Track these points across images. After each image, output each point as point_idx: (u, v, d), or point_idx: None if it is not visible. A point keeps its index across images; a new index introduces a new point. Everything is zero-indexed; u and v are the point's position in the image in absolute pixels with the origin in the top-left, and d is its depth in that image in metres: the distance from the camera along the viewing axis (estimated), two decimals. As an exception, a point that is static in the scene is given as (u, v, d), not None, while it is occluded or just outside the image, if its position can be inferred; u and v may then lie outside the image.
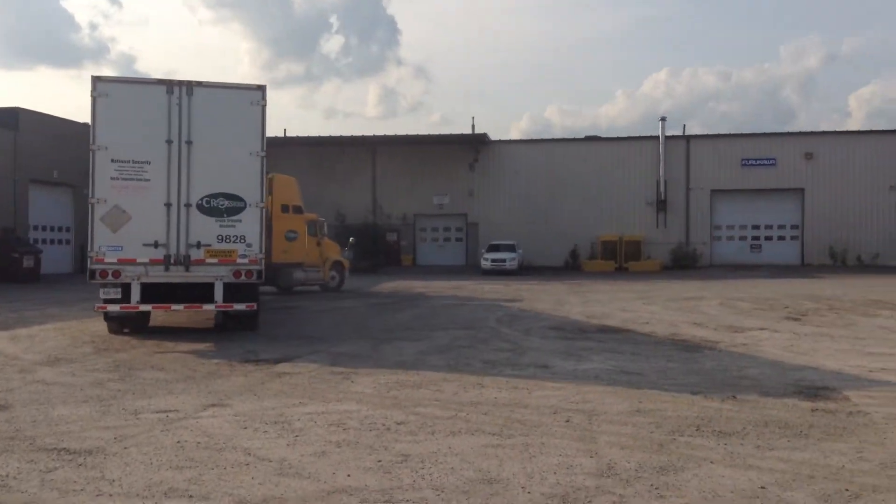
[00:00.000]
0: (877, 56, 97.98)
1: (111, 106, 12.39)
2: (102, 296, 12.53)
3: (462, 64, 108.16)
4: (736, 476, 5.48)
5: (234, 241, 12.69)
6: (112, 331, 13.56)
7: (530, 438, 6.53)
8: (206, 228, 12.61)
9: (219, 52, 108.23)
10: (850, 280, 31.00)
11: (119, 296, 12.49)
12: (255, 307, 13.10)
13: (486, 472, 5.61)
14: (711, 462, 5.81)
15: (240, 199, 12.71)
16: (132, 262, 12.46)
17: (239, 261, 12.70)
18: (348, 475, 5.60)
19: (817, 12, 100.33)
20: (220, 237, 12.66)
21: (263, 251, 12.89)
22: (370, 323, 16.04)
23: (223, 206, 12.66)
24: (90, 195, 12.43)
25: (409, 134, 44.60)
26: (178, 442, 6.53)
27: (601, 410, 7.58)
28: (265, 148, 12.82)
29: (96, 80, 12.43)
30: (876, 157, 42.60)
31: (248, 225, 12.72)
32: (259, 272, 12.80)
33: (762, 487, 5.23)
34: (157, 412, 7.69)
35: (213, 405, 8.00)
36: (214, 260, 12.65)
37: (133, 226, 12.41)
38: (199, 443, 6.50)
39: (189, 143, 12.57)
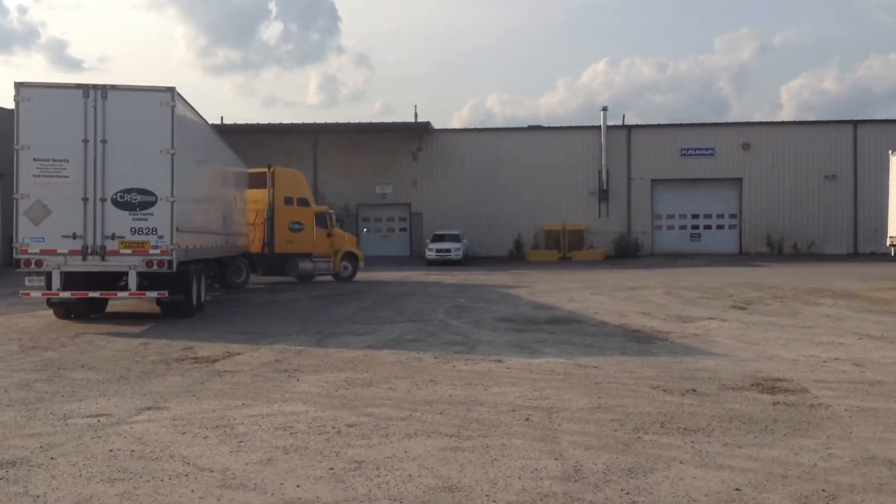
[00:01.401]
0: (806, 50, 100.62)
1: (33, 109, 13.31)
2: (27, 283, 13.45)
3: (404, 52, 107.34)
4: (708, 477, 5.24)
5: (146, 233, 13.46)
6: (59, 316, 14.54)
7: (490, 440, 6.19)
8: (120, 221, 13.42)
9: (154, 37, 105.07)
10: (788, 268, 31.63)
11: (42, 283, 13.40)
12: (167, 295, 13.91)
13: (446, 479, 5.25)
14: (681, 462, 5.56)
15: (151, 193, 13.47)
16: (53, 253, 13.31)
17: (151, 251, 13.46)
18: (298, 485, 5.18)
19: (750, 6, 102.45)
20: (133, 229, 13.45)
21: (174, 242, 13.54)
22: (314, 316, 15.55)
23: (136, 200, 13.44)
24: (14, 191, 13.35)
25: (350, 122, 43.88)
26: (111, 450, 6.01)
27: (561, 407, 7.29)
28: (175, 146, 13.58)
29: (19, 85, 13.33)
30: (811, 148, 43.62)
31: (160, 218, 13.47)
32: (170, 262, 13.51)
33: (737, 489, 4.99)
34: (88, 417, 7.13)
35: (149, 408, 7.47)
36: (128, 251, 13.47)
37: (53, 219, 13.30)
38: (133, 451, 5.99)
39: (104, 142, 13.37)
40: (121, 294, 13.94)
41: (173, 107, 13.53)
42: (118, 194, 13.38)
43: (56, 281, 13.28)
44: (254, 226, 24.57)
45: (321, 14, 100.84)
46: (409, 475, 5.35)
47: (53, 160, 13.26)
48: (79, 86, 13.55)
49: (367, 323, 14.19)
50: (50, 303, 14.26)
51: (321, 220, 25.86)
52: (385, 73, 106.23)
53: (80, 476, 5.41)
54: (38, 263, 13.25)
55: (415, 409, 7.24)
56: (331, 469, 5.50)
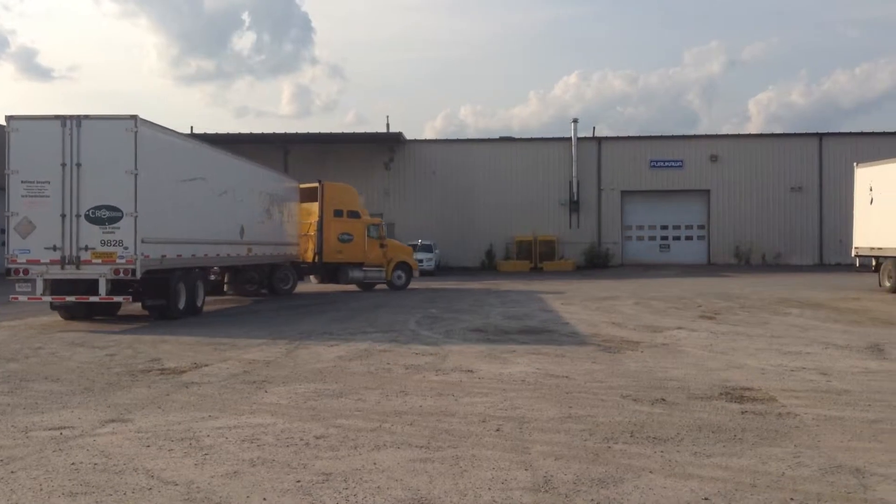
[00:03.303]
0: (773, 64, 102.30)
1: (21, 138, 15.10)
2: (17, 289, 15.33)
3: (378, 63, 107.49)
4: (677, 487, 5.24)
5: (113, 245, 14.99)
6: (64, 318, 16.33)
7: (460, 450, 6.15)
8: (91, 234, 14.99)
9: (125, 47, 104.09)
10: (755, 278, 32.00)
11: (29, 289, 15.16)
12: (130, 299, 16.07)
13: (415, 491, 5.20)
14: (650, 472, 5.56)
15: (118, 209, 14.99)
16: (37, 263, 15.03)
17: (118, 261, 14.98)
18: (264, 499, 5.09)
19: (718, 20, 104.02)
20: (102, 241, 15.00)
21: (138, 253, 14.99)
22: (285, 327, 15.40)
23: (105, 216, 14.99)
24: (6, 209, 15.07)
25: (322, 132, 43.70)
26: (73, 464, 5.88)
27: (531, 417, 7.27)
28: (139, 167, 15.04)
29: (9, 118, 15.23)
30: (777, 160, 44.29)
31: (125, 231, 14.99)
32: (134, 270, 14.98)
33: (706, 499, 4.99)
34: (50, 429, 6.98)
35: (113, 420, 7.33)
36: (99, 260, 15.00)
37: (37, 233, 14.99)
38: (96, 464, 5.87)
39: (79, 165, 14.99)
40: (92, 298, 15.18)
41: (136, 132, 14.99)
42: (90, 210, 14.94)
43: (39, 287, 14.99)
44: (307, 237, 26.58)
45: (295, 24, 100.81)
46: (378, 487, 5.28)
47: (37, 182, 14.99)
48: (57, 117, 15.14)
49: (339, 333, 14.08)
50: (53, 306, 16.10)
51: (373, 231, 27.23)
52: (359, 83, 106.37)
53: (41, 490, 5.28)
54: (25, 272, 15.03)
55: (384, 421, 7.18)
56: (298, 482, 5.42)
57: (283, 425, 7.05)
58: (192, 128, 44.18)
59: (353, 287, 27.63)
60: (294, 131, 44.04)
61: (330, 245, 26.35)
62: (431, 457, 5.99)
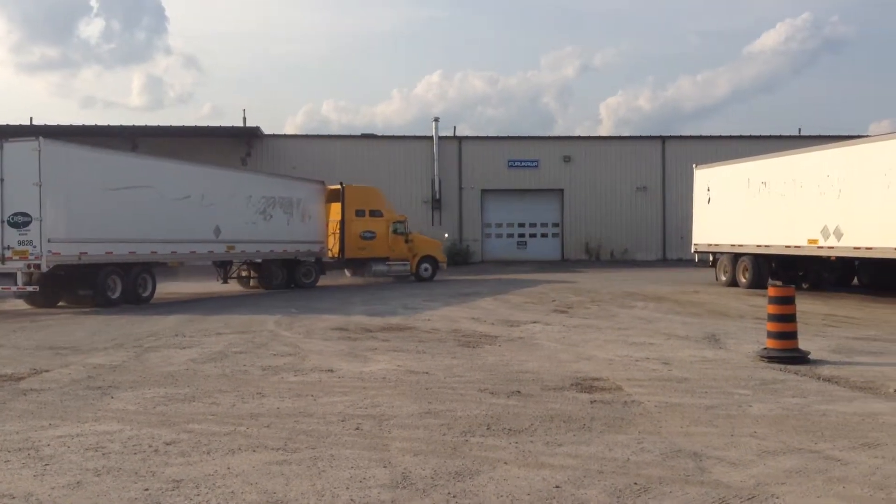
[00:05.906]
0: (622, 69, 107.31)
1: None
2: None
3: (236, 55, 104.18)
4: (530, 476, 5.41)
5: (26, 245, 17.95)
6: (28, 304, 19.54)
7: (318, 451, 6.08)
8: (12, 236, 18.06)
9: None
10: (604, 273, 33.51)
11: None
12: (38, 289, 18.37)
13: (271, 494, 5.09)
14: (505, 463, 5.71)
15: (28, 215, 17.95)
16: None
17: (29, 258, 17.90)
18: (110, 510, 4.84)
19: (573, 26, 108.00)
20: (19, 242, 18.03)
21: (44, 251, 17.87)
22: (132, 329, 14.68)
23: (20, 221, 18.01)
24: None
25: (174, 125, 41.94)
26: None
27: (391, 414, 7.29)
28: (43, 179, 17.91)
29: None
30: (624, 161, 46.51)
31: (34, 233, 17.94)
32: (40, 265, 17.87)
33: (557, 486, 5.18)
34: None
35: (-62, 434, 6.75)
36: (17, 258, 18.01)
37: None
38: (-84, 483, 5.38)
39: (2, 180, 18.14)
40: (13, 288, 18.05)
41: (39, 151, 17.83)
42: (10, 217, 17.99)
43: None
44: (334, 235, 28.92)
45: (147, 12, 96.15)
46: (232, 492, 5.14)
47: None
48: None
49: (191, 335, 13.58)
50: (17, 295, 18.95)
51: (398, 228, 29.73)
52: (216, 76, 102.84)
53: None
54: None
55: (239, 424, 6.99)
56: (146, 490, 5.19)
57: (131, 432, 6.72)
58: (31, 119, 41.41)
59: (385, 279, 30.07)
60: (144, 123, 41.93)
61: (352, 242, 28.74)
62: (288, 459, 5.89)
